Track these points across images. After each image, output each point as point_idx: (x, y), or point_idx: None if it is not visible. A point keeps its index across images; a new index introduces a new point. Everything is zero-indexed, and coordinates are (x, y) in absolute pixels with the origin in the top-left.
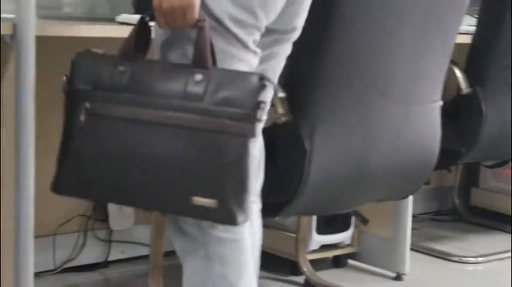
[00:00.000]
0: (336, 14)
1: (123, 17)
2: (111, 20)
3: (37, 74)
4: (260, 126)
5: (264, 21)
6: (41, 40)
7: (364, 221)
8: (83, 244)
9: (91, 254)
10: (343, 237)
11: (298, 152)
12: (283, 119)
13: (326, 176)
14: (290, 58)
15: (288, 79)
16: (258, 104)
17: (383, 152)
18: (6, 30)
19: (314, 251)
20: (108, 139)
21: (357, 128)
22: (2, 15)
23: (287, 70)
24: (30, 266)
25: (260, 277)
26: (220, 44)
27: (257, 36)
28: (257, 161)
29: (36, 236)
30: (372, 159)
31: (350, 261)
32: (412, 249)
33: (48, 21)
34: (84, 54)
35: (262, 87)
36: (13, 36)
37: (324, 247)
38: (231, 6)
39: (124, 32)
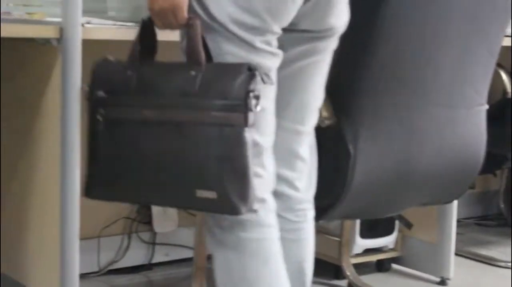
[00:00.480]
0: (381, 18)
1: None
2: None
3: (82, 78)
4: (252, 116)
5: (274, 24)
6: (86, 44)
7: (408, 225)
8: (127, 246)
9: (135, 256)
10: (386, 241)
11: (342, 155)
12: (327, 122)
13: (370, 180)
14: (334, 61)
15: (332, 82)
16: (247, 94)
17: (427, 156)
18: (53, 34)
19: (357, 255)
20: (122, 142)
21: (402, 132)
22: (49, 19)
23: (331, 73)
24: (75, 268)
25: None
26: (228, 47)
27: (268, 37)
28: (307, 168)
29: (81, 238)
30: (416, 163)
31: (394, 265)
32: (456, 254)
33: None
34: (101, 62)
35: (251, 77)
36: (59, 40)
37: (368, 251)
38: (234, 9)
39: (167, 35)
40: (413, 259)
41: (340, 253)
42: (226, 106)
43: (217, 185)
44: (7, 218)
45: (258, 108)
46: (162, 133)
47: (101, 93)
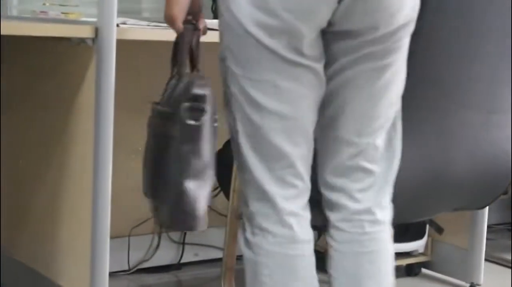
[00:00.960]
0: (418, 21)
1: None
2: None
3: (116, 78)
4: (205, 122)
5: (298, 24)
6: (120, 44)
7: (439, 230)
8: (157, 246)
9: (164, 255)
10: (417, 245)
11: None
12: None
13: (403, 184)
14: None
15: None
16: (179, 103)
17: (461, 160)
18: (88, 33)
19: None
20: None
21: (436, 137)
22: (84, 19)
23: None
24: (105, 266)
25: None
26: (253, 52)
27: (295, 42)
28: (374, 179)
29: (112, 237)
30: (449, 168)
31: (423, 270)
32: (486, 260)
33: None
34: None
35: (191, 84)
36: (95, 40)
37: (398, 255)
38: (254, 10)
39: (205, 36)
40: (443, 264)
41: None
42: (166, 114)
43: (156, 198)
44: (40, 215)
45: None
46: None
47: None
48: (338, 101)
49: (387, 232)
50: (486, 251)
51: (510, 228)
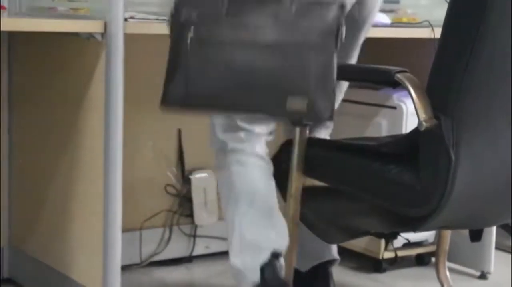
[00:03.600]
0: (489, 14)
1: None
2: None
3: (125, 72)
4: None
5: None
6: (129, 38)
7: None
8: (169, 239)
9: (176, 248)
10: (427, 235)
11: (443, 161)
12: (425, 125)
13: (472, 188)
14: (435, 61)
15: (432, 83)
16: (339, 24)
17: None
18: (97, 28)
19: (397, 249)
20: (212, 59)
21: (506, 137)
22: (92, 14)
23: (431, 73)
24: (117, 259)
25: (343, 274)
26: None
27: None
28: None
29: (124, 231)
30: None
31: (434, 259)
32: (497, 248)
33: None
34: None
35: (342, 9)
36: (103, 35)
37: (408, 245)
38: None
39: None
40: (453, 253)
41: (379, 247)
42: (323, 33)
43: (310, 93)
44: (51, 209)
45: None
46: (254, 53)
47: (189, 13)
48: None
49: None
50: (496, 240)
51: None
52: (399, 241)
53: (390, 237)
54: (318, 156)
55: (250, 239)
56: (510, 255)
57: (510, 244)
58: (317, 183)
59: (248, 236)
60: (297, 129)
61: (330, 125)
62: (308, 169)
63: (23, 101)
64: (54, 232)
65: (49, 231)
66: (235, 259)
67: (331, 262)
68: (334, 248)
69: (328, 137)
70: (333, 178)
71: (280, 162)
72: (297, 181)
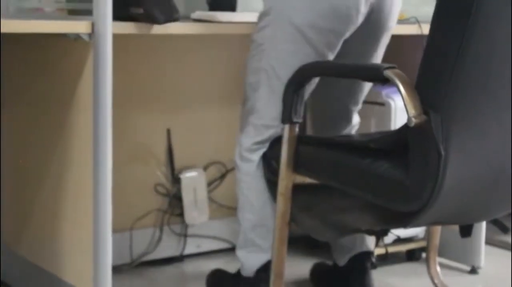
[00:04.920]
0: (477, 10)
1: (198, 14)
2: (186, 17)
3: (113, 73)
4: None
5: None
6: (117, 39)
7: (504, 229)
8: (159, 239)
9: (167, 248)
10: (417, 230)
11: (432, 157)
12: (415, 121)
13: (462, 183)
14: (424, 57)
15: (421, 79)
16: None
17: None
18: (84, 29)
19: (388, 245)
20: None
21: (496, 132)
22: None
23: (419, 69)
24: (108, 260)
25: None
26: None
27: None
28: None
29: (114, 231)
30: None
31: (424, 255)
32: (487, 243)
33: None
34: None
35: None
36: (91, 35)
37: (398, 241)
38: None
39: (199, 29)
40: (443, 248)
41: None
42: None
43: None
44: (41, 211)
45: None
46: None
47: None
48: None
49: None
50: (486, 235)
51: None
52: (389, 237)
53: (381, 234)
54: (308, 153)
55: (252, 238)
56: (500, 250)
57: (500, 239)
58: (308, 180)
59: (250, 235)
60: (286, 127)
61: (355, 123)
62: (298, 166)
63: (12, 102)
64: (45, 233)
65: (40, 232)
66: (238, 251)
67: (366, 254)
68: (368, 239)
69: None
70: (323, 174)
71: (270, 160)
72: (287, 179)
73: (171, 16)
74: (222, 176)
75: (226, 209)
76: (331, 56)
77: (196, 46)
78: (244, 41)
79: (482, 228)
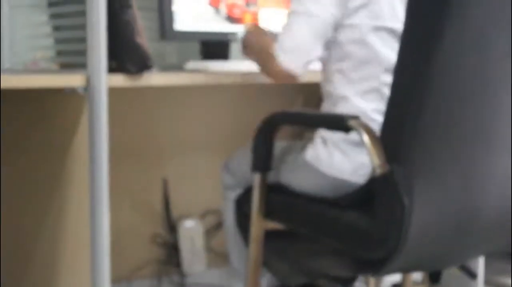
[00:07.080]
0: (435, 60)
1: (192, 64)
2: (179, 68)
3: (109, 124)
4: None
5: None
6: (112, 92)
7: (471, 275)
8: None
9: None
10: (415, 275)
11: (396, 207)
12: (379, 171)
13: (427, 232)
14: (386, 106)
15: (384, 128)
16: None
17: (490, 203)
18: (79, 82)
19: None
20: None
21: (462, 181)
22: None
23: (384, 120)
24: None
25: None
26: None
27: None
28: None
29: (113, 281)
30: (478, 211)
31: None
32: (486, 283)
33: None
34: None
35: None
36: (86, 88)
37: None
38: None
39: (194, 79)
40: None
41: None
42: None
43: None
44: (39, 261)
45: None
46: None
47: None
48: None
49: None
50: (485, 275)
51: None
52: (388, 281)
53: (346, 283)
54: (278, 201)
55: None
56: None
57: (499, 279)
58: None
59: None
60: (257, 175)
61: None
62: (269, 213)
63: (11, 154)
64: (43, 284)
65: (38, 283)
66: (232, 257)
67: None
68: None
69: None
70: (293, 222)
71: (242, 205)
72: (258, 225)
73: (145, 64)
74: (219, 224)
75: (224, 257)
76: None
77: (191, 95)
78: (238, 89)
79: (481, 268)
